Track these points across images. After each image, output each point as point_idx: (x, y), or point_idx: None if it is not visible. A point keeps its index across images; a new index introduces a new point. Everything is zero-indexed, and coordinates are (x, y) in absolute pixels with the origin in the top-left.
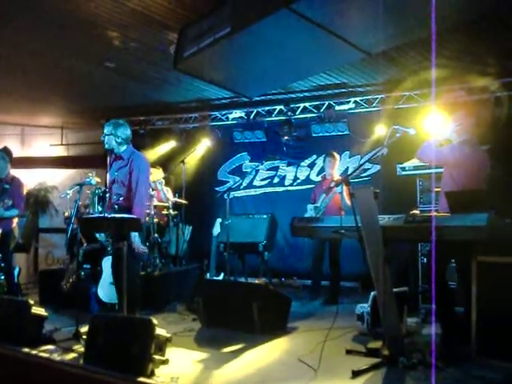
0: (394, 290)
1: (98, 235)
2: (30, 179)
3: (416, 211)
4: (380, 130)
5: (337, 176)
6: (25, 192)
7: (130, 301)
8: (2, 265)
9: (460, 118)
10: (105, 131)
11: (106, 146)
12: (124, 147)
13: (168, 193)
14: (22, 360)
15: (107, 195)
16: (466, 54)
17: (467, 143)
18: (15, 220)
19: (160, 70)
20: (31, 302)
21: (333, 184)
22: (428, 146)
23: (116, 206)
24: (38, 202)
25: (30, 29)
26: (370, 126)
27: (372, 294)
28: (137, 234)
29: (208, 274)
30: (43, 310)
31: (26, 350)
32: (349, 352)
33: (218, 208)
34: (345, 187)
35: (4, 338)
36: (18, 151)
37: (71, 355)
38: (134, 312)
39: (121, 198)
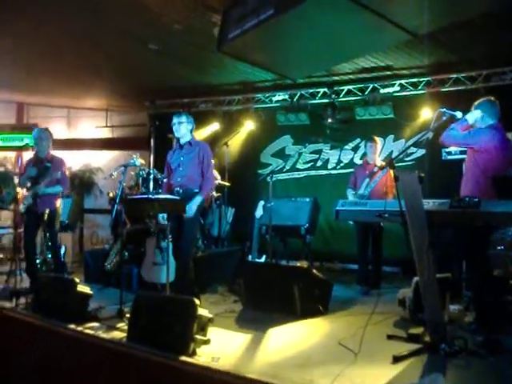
0: (437, 275)
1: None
2: (75, 161)
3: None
4: (425, 114)
5: (379, 161)
6: (67, 171)
7: (187, 280)
8: (49, 244)
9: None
10: (177, 120)
11: (177, 134)
12: (190, 136)
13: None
14: (68, 336)
15: (165, 180)
16: None
17: (494, 128)
18: (59, 199)
19: (204, 53)
20: (77, 280)
21: (376, 169)
22: (453, 129)
23: (179, 188)
24: (83, 183)
25: (75, 11)
26: (416, 109)
27: (414, 279)
28: (196, 204)
29: (250, 256)
30: (88, 288)
31: (72, 326)
32: (390, 337)
33: (260, 190)
34: (389, 171)
35: (51, 314)
36: (64, 133)
37: (115, 333)
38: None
39: (186, 180)
